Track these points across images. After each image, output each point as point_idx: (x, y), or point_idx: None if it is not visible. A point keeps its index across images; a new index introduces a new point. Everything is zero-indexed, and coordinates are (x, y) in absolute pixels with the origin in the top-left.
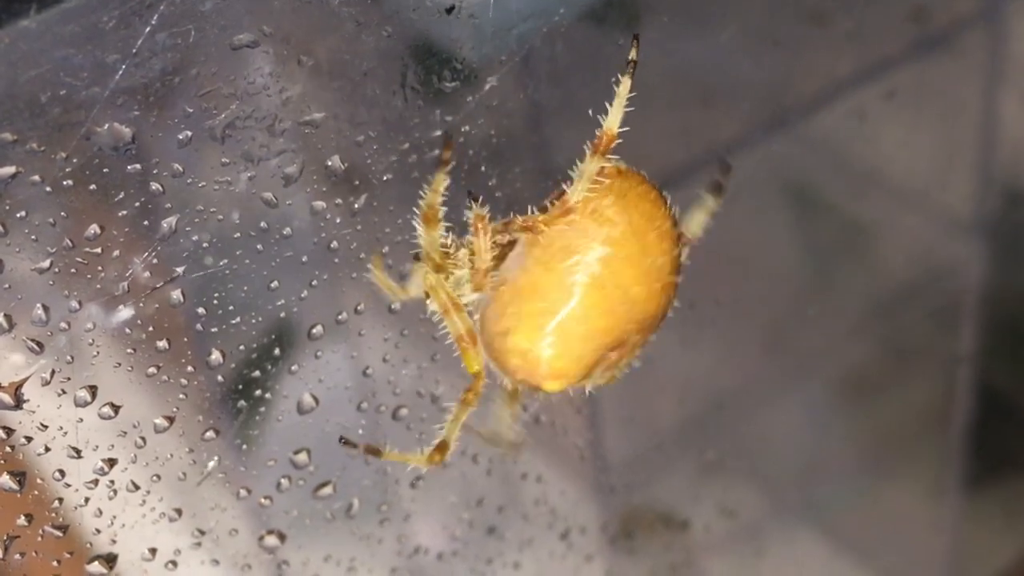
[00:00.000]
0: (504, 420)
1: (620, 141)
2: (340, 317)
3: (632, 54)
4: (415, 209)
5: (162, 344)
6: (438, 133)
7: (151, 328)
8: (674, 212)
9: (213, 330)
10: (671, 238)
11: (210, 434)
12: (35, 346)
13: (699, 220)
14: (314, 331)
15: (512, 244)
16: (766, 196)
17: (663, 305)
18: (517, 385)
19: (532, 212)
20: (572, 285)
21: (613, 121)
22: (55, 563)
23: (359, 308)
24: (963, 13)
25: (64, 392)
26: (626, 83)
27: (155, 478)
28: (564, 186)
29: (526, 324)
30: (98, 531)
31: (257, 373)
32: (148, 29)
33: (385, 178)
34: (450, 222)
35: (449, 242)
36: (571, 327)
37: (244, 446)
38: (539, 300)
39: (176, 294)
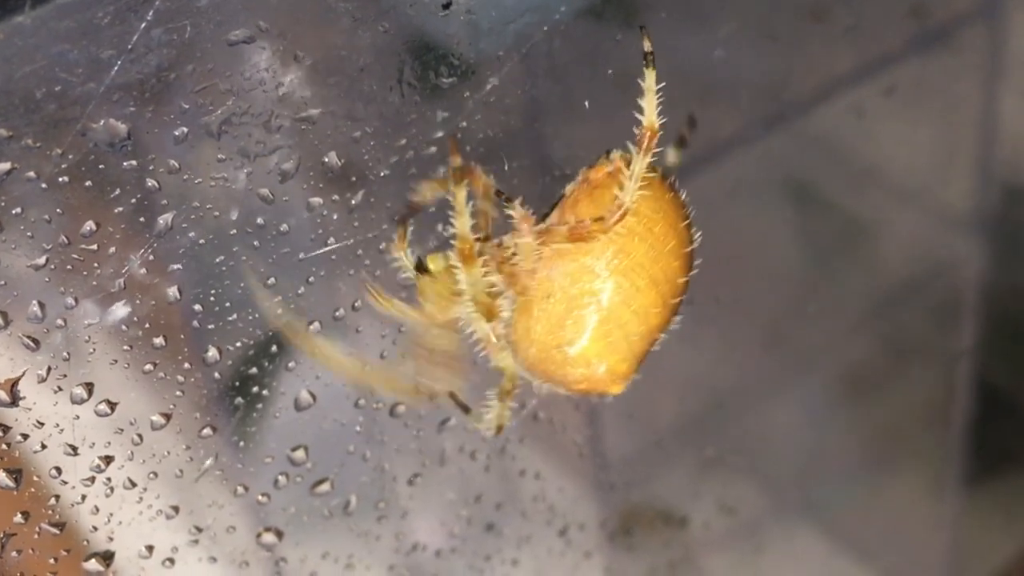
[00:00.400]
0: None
1: (611, 140)
2: (337, 314)
3: (646, 46)
4: (449, 252)
5: (159, 341)
6: (439, 135)
7: (148, 325)
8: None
9: (210, 327)
10: (689, 229)
11: (207, 431)
12: (31, 343)
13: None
14: (311, 328)
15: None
16: (765, 193)
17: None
18: (576, 393)
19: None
20: (630, 287)
21: (651, 116)
22: (52, 560)
23: (356, 305)
24: (962, 9)
25: (60, 389)
26: (651, 75)
27: (152, 475)
28: (616, 193)
29: (591, 333)
30: (95, 528)
31: (254, 370)
32: (144, 25)
33: (382, 174)
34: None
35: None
36: (633, 328)
37: (241, 443)
38: (600, 307)
39: (173, 291)
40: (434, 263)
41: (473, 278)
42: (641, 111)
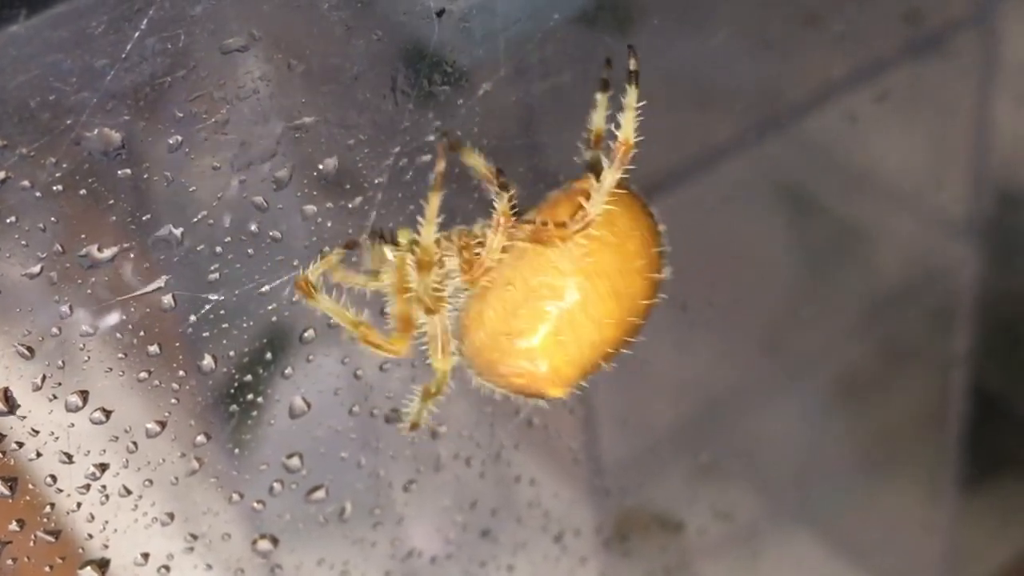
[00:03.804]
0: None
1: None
2: (332, 321)
3: (632, 64)
4: (410, 255)
5: (153, 349)
6: (430, 138)
7: (142, 333)
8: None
9: (204, 335)
10: (661, 257)
11: (202, 438)
12: (26, 351)
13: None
14: (306, 335)
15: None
16: (759, 198)
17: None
18: (513, 391)
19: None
20: (591, 291)
21: (627, 132)
22: (47, 568)
23: None
24: (955, 15)
25: (55, 397)
26: (632, 92)
27: (147, 483)
28: (582, 201)
29: (543, 328)
30: (90, 536)
31: (249, 377)
32: (138, 34)
33: (376, 181)
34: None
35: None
36: (586, 334)
37: (236, 450)
38: (557, 304)
39: (167, 299)
40: (403, 236)
41: (424, 285)
42: (619, 125)
